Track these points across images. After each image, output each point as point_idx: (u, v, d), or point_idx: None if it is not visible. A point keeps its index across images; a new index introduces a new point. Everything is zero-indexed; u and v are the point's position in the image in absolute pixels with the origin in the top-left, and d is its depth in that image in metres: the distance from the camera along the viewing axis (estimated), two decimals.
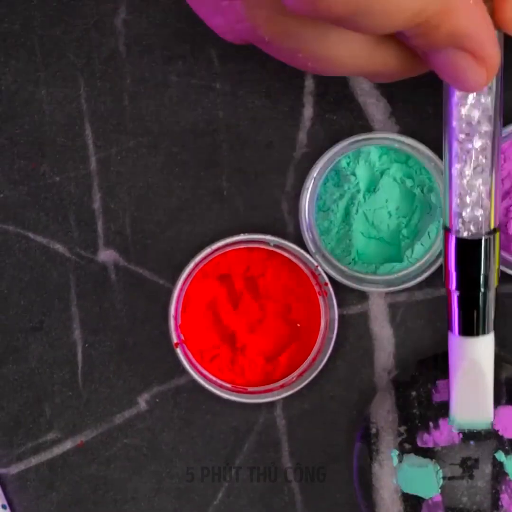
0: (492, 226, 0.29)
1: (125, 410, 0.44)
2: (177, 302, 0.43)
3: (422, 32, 0.23)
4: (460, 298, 0.31)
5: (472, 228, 0.29)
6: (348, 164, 0.43)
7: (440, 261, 0.42)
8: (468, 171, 0.28)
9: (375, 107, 0.43)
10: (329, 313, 0.43)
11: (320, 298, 0.43)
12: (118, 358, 0.44)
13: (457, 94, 0.28)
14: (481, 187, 0.28)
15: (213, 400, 0.44)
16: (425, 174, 0.43)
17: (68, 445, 0.45)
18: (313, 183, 0.42)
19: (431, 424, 0.42)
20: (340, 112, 0.43)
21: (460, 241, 0.29)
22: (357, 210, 0.43)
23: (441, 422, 0.42)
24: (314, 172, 0.42)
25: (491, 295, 0.31)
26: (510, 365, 0.42)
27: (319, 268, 0.42)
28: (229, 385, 0.43)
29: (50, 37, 0.43)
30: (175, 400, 0.44)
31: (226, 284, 0.44)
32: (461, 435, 0.42)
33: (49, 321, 0.44)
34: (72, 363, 0.44)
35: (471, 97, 0.28)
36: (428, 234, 0.43)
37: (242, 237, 0.42)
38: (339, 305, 0.43)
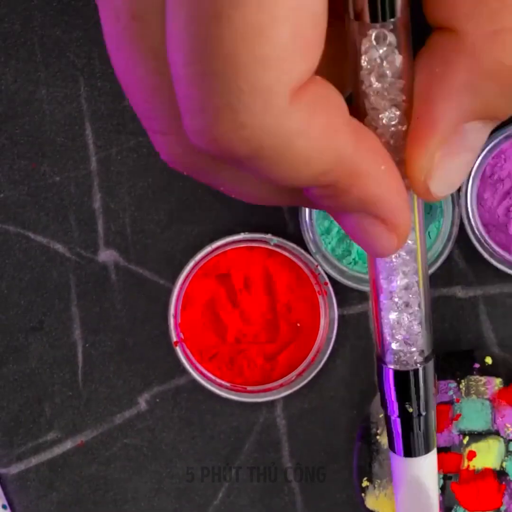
0: (426, 354, 0.29)
1: (125, 410, 0.44)
2: (177, 300, 0.43)
3: (330, 194, 0.21)
4: (402, 423, 0.32)
5: (407, 360, 0.29)
6: None
7: (441, 261, 0.42)
8: (395, 308, 0.27)
9: None
10: (329, 313, 0.43)
11: (320, 298, 0.43)
12: (118, 358, 0.44)
13: None
14: (411, 321, 0.28)
15: (213, 400, 0.44)
16: None
17: (68, 445, 0.45)
18: None
19: None
20: None
21: (398, 373, 0.29)
22: None
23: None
24: None
25: (431, 415, 0.31)
26: (510, 365, 0.42)
27: (319, 267, 0.42)
28: (228, 384, 0.43)
29: (50, 37, 0.43)
30: (175, 400, 0.44)
31: (225, 283, 0.43)
32: (461, 436, 0.42)
33: (49, 321, 0.44)
34: (72, 363, 0.44)
35: None
36: (429, 234, 0.43)
37: (242, 236, 0.42)
38: (339, 305, 0.43)
